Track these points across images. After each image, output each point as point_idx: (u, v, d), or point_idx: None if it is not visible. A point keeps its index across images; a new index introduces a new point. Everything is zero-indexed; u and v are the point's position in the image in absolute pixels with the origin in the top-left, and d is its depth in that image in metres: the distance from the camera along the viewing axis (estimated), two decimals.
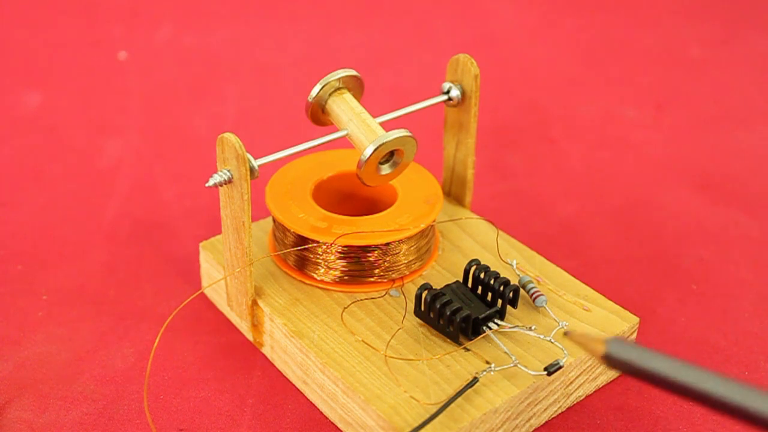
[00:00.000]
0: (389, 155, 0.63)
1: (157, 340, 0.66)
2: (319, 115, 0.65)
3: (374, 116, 0.65)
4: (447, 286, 0.63)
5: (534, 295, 0.63)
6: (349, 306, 0.64)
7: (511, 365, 0.59)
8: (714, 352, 0.68)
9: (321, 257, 0.65)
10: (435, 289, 0.61)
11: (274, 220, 0.67)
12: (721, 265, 0.77)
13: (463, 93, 0.68)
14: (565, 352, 0.60)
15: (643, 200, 0.85)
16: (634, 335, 0.64)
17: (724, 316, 0.71)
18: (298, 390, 0.64)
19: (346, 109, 0.64)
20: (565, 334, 0.54)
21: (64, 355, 0.66)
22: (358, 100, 0.66)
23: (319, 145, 0.64)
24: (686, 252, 0.78)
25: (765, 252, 0.79)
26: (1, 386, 0.63)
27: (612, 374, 0.64)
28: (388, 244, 0.64)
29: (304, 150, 0.63)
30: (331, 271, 0.65)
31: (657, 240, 0.80)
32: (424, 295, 0.61)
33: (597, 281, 0.73)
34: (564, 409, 0.62)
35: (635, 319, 0.63)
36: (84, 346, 0.67)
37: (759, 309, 0.72)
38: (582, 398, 0.63)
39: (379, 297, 0.64)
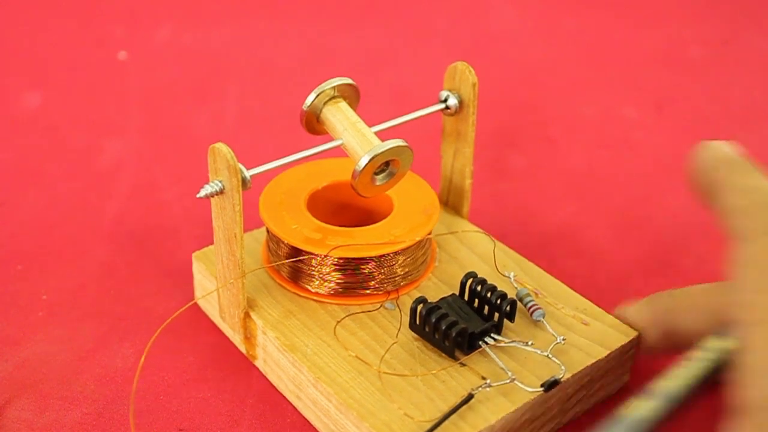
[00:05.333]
0: (384, 165, 0.62)
1: (147, 350, 0.65)
2: (314, 124, 0.64)
3: (373, 121, 0.64)
4: (443, 299, 0.62)
5: (532, 309, 0.62)
6: (342, 319, 0.63)
7: (508, 381, 0.58)
8: None
9: (315, 269, 0.64)
10: (430, 303, 0.60)
11: (268, 231, 0.66)
12: (721, 265, 0.77)
13: (460, 101, 0.67)
14: (563, 367, 0.59)
15: (643, 200, 0.85)
16: (634, 349, 0.63)
17: None
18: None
19: (341, 118, 0.63)
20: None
21: (64, 355, 0.66)
22: (354, 109, 0.64)
23: (313, 154, 0.63)
24: (686, 252, 0.78)
25: None
26: (1, 386, 0.63)
27: (610, 390, 0.64)
28: (383, 255, 0.63)
29: (298, 160, 0.62)
30: (326, 283, 0.64)
31: (657, 240, 0.80)
32: (419, 308, 0.60)
33: (597, 281, 0.73)
34: (562, 426, 0.62)
35: (635, 333, 0.62)
36: (84, 346, 0.67)
37: None
38: (580, 414, 0.62)
39: (374, 310, 0.63)
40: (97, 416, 0.61)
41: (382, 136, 0.63)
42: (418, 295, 0.63)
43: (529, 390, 0.57)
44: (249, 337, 0.65)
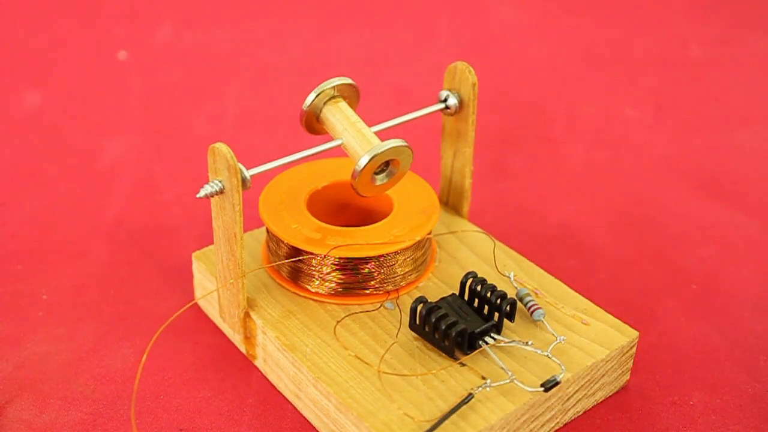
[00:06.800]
0: (384, 165, 0.62)
1: (148, 350, 0.65)
2: (313, 124, 0.64)
3: (373, 121, 0.64)
4: (443, 299, 0.61)
5: (532, 309, 0.62)
6: (342, 319, 0.62)
7: (507, 381, 0.58)
8: (714, 352, 0.68)
9: (315, 269, 0.64)
10: (430, 303, 0.60)
11: (268, 231, 0.66)
12: (721, 265, 0.77)
13: (460, 101, 0.67)
14: (563, 367, 0.59)
15: (642, 200, 0.85)
16: (634, 349, 0.63)
17: (724, 316, 0.71)
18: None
19: (341, 118, 0.63)
20: None
21: (64, 355, 0.66)
22: (354, 108, 0.64)
23: (313, 154, 0.63)
24: (686, 252, 0.78)
25: (765, 252, 0.79)
26: (1, 386, 0.63)
27: (610, 390, 0.64)
28: (383, 255, 0.63)
29: (298, 160, 0.62)
30: (326, 283, 0.64)
31: (657, 240, 0.80)
32: (419, 308, 0.60)
33: (597, 281, 0.74)
34: (561, 425, 0.61)
35: (635, 334, 0.62)
36: (84, 346, 0.67)
37: (759, 309, 0.72)
38: (580, 414, 0.62)
39: (374, 310, 0.63)
40: (97, 416, 0.61)
41: (382, 136, 0.63)
42: (418, 295, 0.63)
43: (529, 390, 0.57)
44: (249, 337, 0.64)
